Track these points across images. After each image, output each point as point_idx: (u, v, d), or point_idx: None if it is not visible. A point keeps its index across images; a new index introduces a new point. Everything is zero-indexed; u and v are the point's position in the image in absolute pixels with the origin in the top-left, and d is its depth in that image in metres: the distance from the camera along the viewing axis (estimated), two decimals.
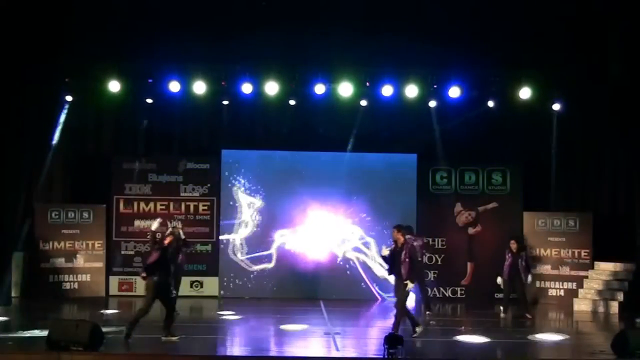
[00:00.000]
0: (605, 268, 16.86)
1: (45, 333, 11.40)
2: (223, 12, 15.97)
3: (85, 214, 17.31)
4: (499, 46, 16.24)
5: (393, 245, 12.88)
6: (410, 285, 12.65)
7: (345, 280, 17.52)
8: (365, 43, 16.09)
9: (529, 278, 15.60)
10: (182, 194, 17.61)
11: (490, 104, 17.02)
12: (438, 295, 17.69)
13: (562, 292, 17.27)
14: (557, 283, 17.38)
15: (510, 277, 15.40)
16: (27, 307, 15.77)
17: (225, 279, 17.54)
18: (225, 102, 17.22)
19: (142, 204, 17.53)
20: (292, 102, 17.18)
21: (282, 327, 13.92)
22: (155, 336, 12.36)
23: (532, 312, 15.65)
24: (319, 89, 16.75)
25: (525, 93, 16.71)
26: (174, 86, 16.58)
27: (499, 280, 15.50)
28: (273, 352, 12.12)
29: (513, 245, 15.44)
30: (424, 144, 17.88)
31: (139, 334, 12.22)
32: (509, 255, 15.41)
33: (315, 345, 12.63)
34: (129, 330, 12.06)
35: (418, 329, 12.76)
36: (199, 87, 16.64)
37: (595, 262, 17.05)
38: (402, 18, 15.95)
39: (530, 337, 13.44)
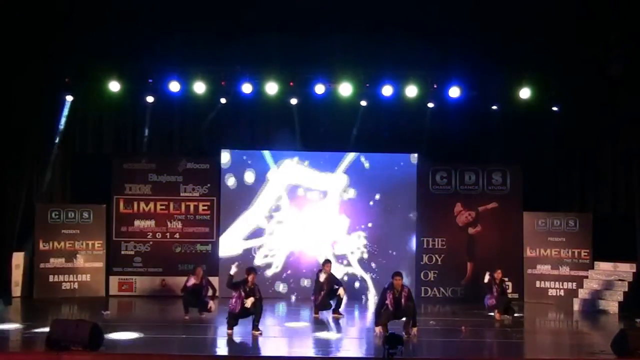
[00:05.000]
0: (605, 268, 16.86)
1: (45, 333, 11.40)
2: (223, 12, 15.97)
3: (85, 214, 17.30)
4: (499, 46, 16.25)
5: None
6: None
7: (344, 279, 17.49)
8: (365, 43, 16.10)
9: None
10: (182, 194, 17.61)
11: (494, 107, 17.06)
12: (438, 295, 17.71)
13: (562, 292, 17.27)
14: (557, 283, 17.38)
15: (502, 301, 14.98)
16: (27, 307, 15.76)
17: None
18: (223, 101, 17.18)
19: (142, 204, 17.54)
20: (293, 102, 17.18)
21: (285, 324, 13.93)
22: (155, 336, 12.34)
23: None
24: (319, 89, 16.76)
25: (525, 93, 16.72)
26: (174, 86, 16.58)
27: (487, 277, 15.23)
28: (272, 351, 12.13)
29: (498, 275, 15.06)
30: (424, 144, 17.88)
31: (139, 334, 12.20)
32: (496, 287, 14.95)
33: (314, 344, 12.65)
34: None
35: None
36: (199, 87, 16.63)
37: (595, 262, 17.06)
38: (402, 18, 15.95)
39: (529, 337, 13.42)
